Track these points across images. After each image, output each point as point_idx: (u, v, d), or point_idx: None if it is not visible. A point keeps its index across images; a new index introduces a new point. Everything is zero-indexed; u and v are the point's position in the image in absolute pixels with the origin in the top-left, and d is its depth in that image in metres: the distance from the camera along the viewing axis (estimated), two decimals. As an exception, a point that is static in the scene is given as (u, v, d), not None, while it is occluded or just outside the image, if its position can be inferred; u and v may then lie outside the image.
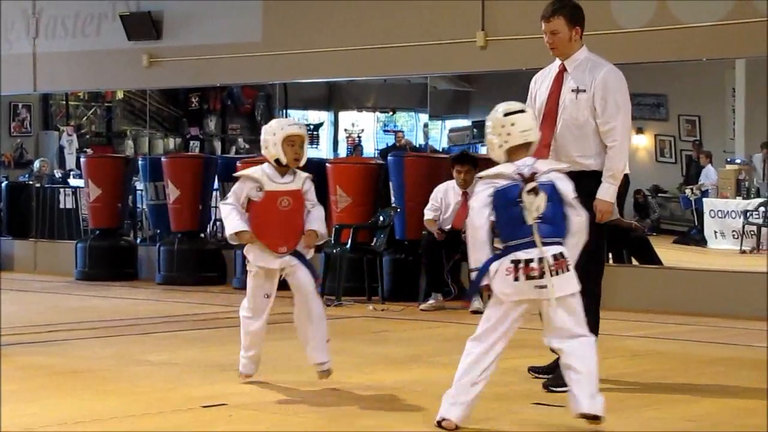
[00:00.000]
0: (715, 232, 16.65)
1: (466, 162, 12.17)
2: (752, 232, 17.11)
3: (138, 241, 16.36)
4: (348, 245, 12.53)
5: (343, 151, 20.85)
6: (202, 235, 15.11)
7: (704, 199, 17.20)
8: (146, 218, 16.58)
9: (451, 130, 21.37)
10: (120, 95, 18.94)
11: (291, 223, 7.19)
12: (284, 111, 18.91)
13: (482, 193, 5.87)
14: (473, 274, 5.95)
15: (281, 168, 7.11)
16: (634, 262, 12.84)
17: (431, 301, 11.90)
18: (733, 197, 17.02)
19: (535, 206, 5.77)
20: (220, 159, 16.08)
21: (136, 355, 8.63)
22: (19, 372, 7.69)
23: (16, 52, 16.83)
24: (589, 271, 6.73)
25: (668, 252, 15.36)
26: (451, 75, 15.95)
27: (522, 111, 5.97)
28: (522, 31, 12.79)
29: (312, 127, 20.61)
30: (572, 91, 7.33)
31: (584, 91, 7.26)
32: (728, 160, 17.57)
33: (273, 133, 7.08)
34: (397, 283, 12.67)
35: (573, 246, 5.93)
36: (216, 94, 19.06)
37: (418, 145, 19.47)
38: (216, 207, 15.94)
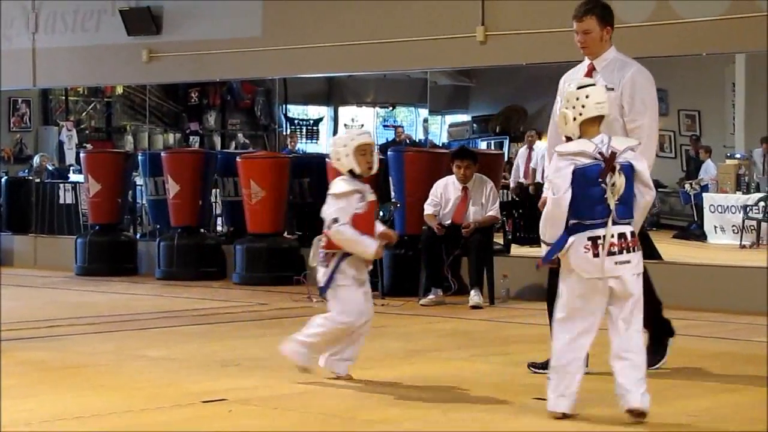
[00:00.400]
0: (715, 227, 16.65)
1: (466, 157, 12.15)
2: (752, 227, 17.10)
3: (138, 236, 16.35)
4: (348, 240, 12.49)
5: (343, 147, 20.83)
6: (202, 230, 15.10)
7: (704, 194, 17.20)
8: (146, 213, 16.56)
9: (450, 125, 21.36)
10: (120, 90, 18.93)
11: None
12: (284, 106, 18.92)
13: (565, 170, 5.96)
14: (544, 247, 6.05)
15: (357, 178, 7.15)
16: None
17: (431, 296, 11.89)
18: (732, 192, 17.01)
19: (618, 188, 5.94)
20: (220, 154, 16.07)
21: (136, 350, 8.63)
22: (18, 367, 7.69)
23: (16, 47, 16.81)
24: None
25: (668, 247, 15.34)
26: (450, 70, 15.95)
27: (594, 85, 6.18)
28: (522, 27, 12.79)
29: (311, 122, 20.61)
30: None
31: (613, 89, 7.30)
32: (728, 155, 17.56)
33: (344, 144, 7.10)
34: (397, 278, 12.66)
35: (635, 224, 6.11)
36: (216, 89, 19.04)
37: (417, 140, 19.47)
38: (216, 202, 15.97)
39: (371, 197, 7.19)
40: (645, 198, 6.12)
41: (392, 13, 13.76)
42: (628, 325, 5.98)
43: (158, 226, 15.66)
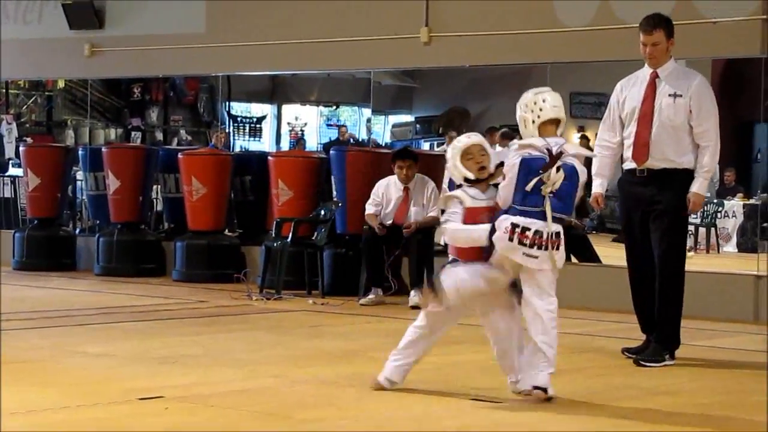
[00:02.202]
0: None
1: (408, 157, 12.18)
2: (690, 232, 17.27)
3: (77, 231, 16.24)
4: (289, 239, 12.51)
5: (286, 145, 20.83)
6: (143, 226, 15.02)
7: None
8: (86, 209, 16.45)
9: (394, 126, 21.40)
10: (61, 84, 18.79)
11: None
12: (227, 103, 18.86)
13: (515, 160, 6.52)
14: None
15: (478, 184, 6.70)
16: (573, 260, 12.91)
17: (371, 296, 11.90)
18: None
19: (552, 181, 6.43)
20: (162, 150, 16.00)
21: (73, 346, 8.57)
22: (-47, 362, 7.61)
23: (-44, 38, 16.65)
24: (673, 271, 8.18)
25: (608, 250, 15.46)
26: (394, 70, 15.97)
27: (550, 91, 6.64)
28: (466, 28, 12.84)
29: (255, 120, 20.57)
30: (669, 95, 8.13)
31: (681, 96, 8.10)
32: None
33: (450, 156, 6.73)
34: (337, 277, 12.67)
35: None
36: (158, 84, 18.96)
37: (361, 140, 19.50)
38: (157, 198, 15.89)
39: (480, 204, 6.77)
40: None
41: (337, 12, 13.75)
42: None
43: (98, 222, 15.56)
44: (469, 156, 6.68)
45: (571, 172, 6.51)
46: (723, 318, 10.79)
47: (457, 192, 6.68)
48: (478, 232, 6.51)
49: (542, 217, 6.46)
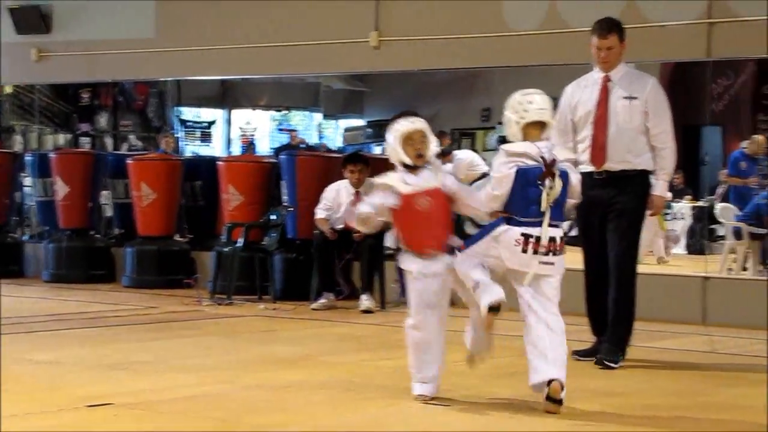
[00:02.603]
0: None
1: (359, 161, 12.19)
2: (581, 233, 17.38)
3: (25, 238, 16.11)
4: (239, 244, 12.48)
5: (237, 150, 20.78)
6: (92, 232, 14.94)
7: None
8: (34, 215, 16.33)
9: (345, 130, 21.42)
10: (9, 90, 18.64)
11: (433, 222, 6.68)
12: (177, 108, 18.81)
13: (506, 168, 6.40)
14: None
15: (412, 169, 6.67)
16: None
17: (322, 301, 11.90)
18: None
19: (554, 192, 6.37)
20: (111, 156, 15.91)
21: (21, 353, 8.48)
22: None
23: None
24: (626, 270, 8.23)
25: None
26: (344, 75, 15.97)
27: (539, 93, 6.53)
28: (415, 32, 12.85)
29: (205, 124, 20.51)
30: (624, 98, 8.23)
31: (636, 98, 8.22)
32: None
33: (392, 138, 6.67)
34: (288, 282, 12.66)
35: None
36: (108, 90, 18.88)
37: (312, 144, 19.49)
38: (107, 204, 15.80)
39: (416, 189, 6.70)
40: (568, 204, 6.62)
41: (287, 16, 13.74)
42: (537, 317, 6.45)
43: (47, 228, 15.45)
44: (410, 141, 6.64)
45: (565, 179, 6.48)
46: (672, 320, 10.86)
47: (392, 180, 6.62)
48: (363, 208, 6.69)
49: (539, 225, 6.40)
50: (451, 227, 6.73)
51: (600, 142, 8.23)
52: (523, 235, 6.33)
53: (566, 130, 8.42)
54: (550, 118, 6.52)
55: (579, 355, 8.35)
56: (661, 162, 8.25)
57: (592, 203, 8.23)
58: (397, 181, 6.62)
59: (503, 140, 6.72)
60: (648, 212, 8.38)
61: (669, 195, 8.52)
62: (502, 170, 6.40)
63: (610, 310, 8.31)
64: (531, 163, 6.40)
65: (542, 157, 6.40)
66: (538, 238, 6.33)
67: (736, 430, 6.18)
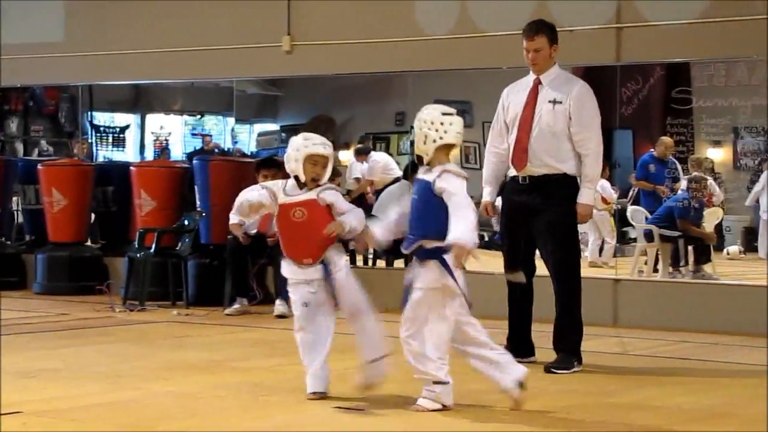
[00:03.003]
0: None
1: (272, 166, 12.16)
2: (501, 235, 17.50)
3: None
4: (152, 249, 12.39)
5: (150, 155, 20.62)
6: (2, 238, 14.74)
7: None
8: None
9: (259, 134, 21.33)
10: None
11: (309, 233, 6.90)
12: (89, 113, 18.61)
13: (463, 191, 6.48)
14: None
15: (301, 184, 6.92)
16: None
17: (236, 306, 11.85)
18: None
19: None
20: (21, 161, 15.72)
21: (-72, 362, 8.36)
22: None
23: None
24: (568, 275, 8.23)
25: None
26: (258, 79, 15.92)
27: (457, 115, 6.56)
28: (328, 37, 12.86)
29: (118, 129, 20.33)
30: (549, 102, 8.18)
31: (561, 102, 8.16)
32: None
33: (297, 149, 6.88)
34: (202, 287, 12.59)
35: None
36: (17, 94, 18.62)
37: (227, 149, 19.40)
38: (18, 210, 15.60)
39: (293, 199, 6.98)
40: None
41: (199, 20, 13.68)
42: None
43: (-45, 235, 15.22)
44: (312, 162, 6.82)
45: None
46: (584, 322, 10.92)
47: (275, 186, 6.95)
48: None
49: None
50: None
51: (523, 145, 8.21)
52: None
53: (501, 132, 8.46)
54: (460, 143, 6.55)
55: None
56: (584, 169, 8.17)
57: (515, 209, 8.32)
58: (279, 189, 6.90)
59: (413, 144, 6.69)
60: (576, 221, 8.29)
61: (593, 203, 8.41)
62: (463, 192, 6.47)
63: (558, 317, 8.31)
64: None
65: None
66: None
67: (643, 431, 6.26)
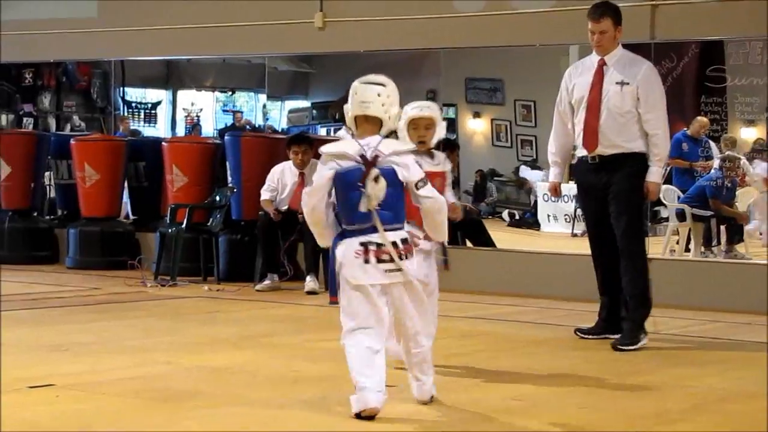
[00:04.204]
0: (548, 215, 16.96)
1: (303, 142, 12.17)
2: (584, 216, 17.48)
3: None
4: (184, 225, 12.42)
5: (181, 131, 20.66)
6: (35, 213, 14.82)
7: (538, 183, 17.50)
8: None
9: (290, 111, 21.34)
10: (-51, 70, 18.42)
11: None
12: (121, 89, 18.66)
13: (324, 172, 5.76)
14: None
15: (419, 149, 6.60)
16: (469, 244, 13.01)
17: (267, 282, 11.88)
18: (565, 182, 17.35)
19: (374, 194, 5.64)
20: (53, 136, 15.77)
21: (-39, 335, 8.41)
22: None
23: None
24: (633, 250, 8.25)
25: (503, 234, 15.59)
26: (290, 56, 15.90)
27: (378, 84, 5.87)
28: (361, 13, 12.83)
29: (149, 105, 20.37)
30: (616, 83, 8.25)
31: (628, 84, 8.23)
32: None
33: (402, 121, 6.59)
34: (232, 263, 12.62)
35: (434, 228, 5.93)
36: (50, 70, 18.68)
37: (257, 126, 19.42)
38: (50, 185, 15.66)
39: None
40: (423, 206, 5.82)
41: (232, -4, 13.66)
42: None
43: (-12, 209, 15.30)
44: (415, 126, 6.71)
45: (391, 178, 5.69)
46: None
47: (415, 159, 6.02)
48: None
49: (376, 230, 5.70)
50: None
51: (592, 127, 8.31)
52: (361, 244, 5.68)
53: (565, 112, 8.55)
54: (376, 113, 5.77)
55: (582, 333, 8.56)
56: (653, 148, 8.29)
57: (588, 188, 8.46)
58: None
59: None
60: (644, 198, 8.41)
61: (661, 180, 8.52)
62: (321, 174, 5.79)
63: (625, 293, 8.38)
64: (348, 164, 5.71)
65: (362, 156, 5.70)
66: (379, 245, 5.68)
67: (673, 408, 6.24)
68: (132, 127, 18.79)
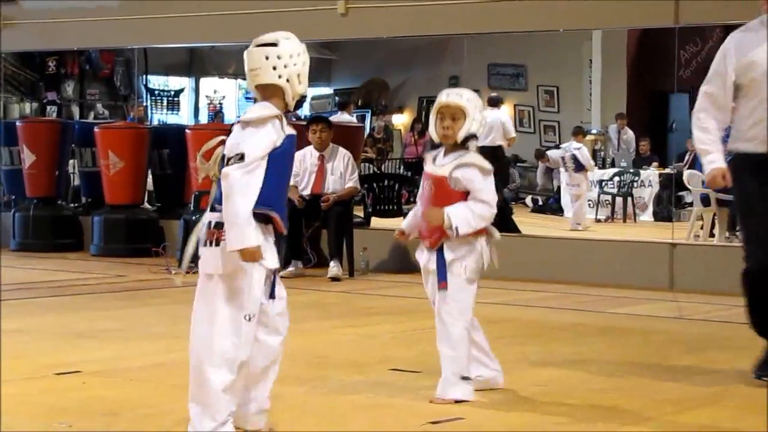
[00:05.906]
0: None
1: (321, 121, 12.25)
2: (607, 202, 17.49)
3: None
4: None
5: (204, 118, 20.72)
6: (59, 201, 14.88)
7: (560, 169, 17.50)
8: (1, 184, 16.24)
9: (313, 98, 21.37)
10: (-26, 58, 18.51)
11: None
12: (144, 76, 18.72)
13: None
14: None
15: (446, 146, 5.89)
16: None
17: (290, 269, 11.88)
18: (592, 169, 17.33)
19: (204, 167, 5.05)
20: (77, 124, 15.82)
21: (-12, 322, 8.46)
22: None
23: None
24: None
25: (527, 220, 15.60)
26: (312, 42, 15.88)
27: (267, 45, 4.96)
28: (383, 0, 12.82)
29: (172, 93, 20.42)
30: None
31: None
32: (585, 130, 17.87)
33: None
34: (256, 250, 12.61)
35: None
36: (74, 58, 18.76)
37: (279, 113, 19.45)
38: (74, 172, 15.71)
39: (429, 170, 5.95)
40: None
41: (254, -17, 13.66)
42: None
43: (13, 197, 15.36)
44: (441, 116, 5.85)
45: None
46: (640, 286, 10.92)
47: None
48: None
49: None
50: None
51: None
52: (211, 223, 5.01)
53: (725, 92, 6.42)
54: (263, 81, 4.97)
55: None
56: None
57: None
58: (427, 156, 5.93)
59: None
60: None
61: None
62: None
63: None
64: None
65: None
66: (217, 225, 4.97)
67: (699, 392, 6.23)
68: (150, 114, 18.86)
